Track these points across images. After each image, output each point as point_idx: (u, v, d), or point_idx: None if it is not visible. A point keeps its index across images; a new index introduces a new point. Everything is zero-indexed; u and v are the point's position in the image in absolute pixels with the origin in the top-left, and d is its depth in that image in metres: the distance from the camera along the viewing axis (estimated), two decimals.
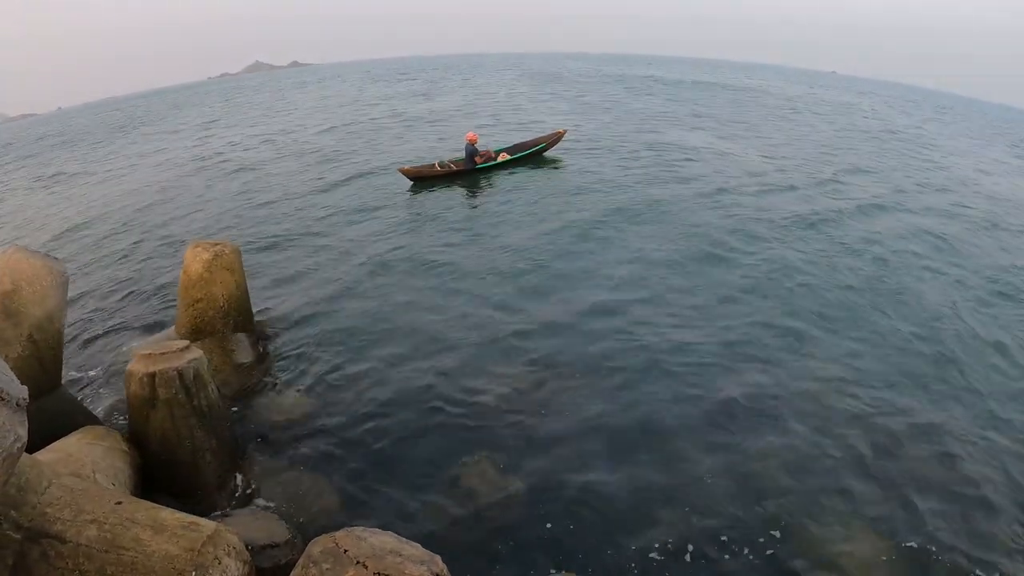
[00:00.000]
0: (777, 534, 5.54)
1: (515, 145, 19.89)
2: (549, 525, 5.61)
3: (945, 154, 26.78)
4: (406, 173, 17.39)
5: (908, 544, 5.53)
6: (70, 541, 3.49)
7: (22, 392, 3.18)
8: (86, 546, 3.49)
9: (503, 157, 18.70)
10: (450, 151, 20.43)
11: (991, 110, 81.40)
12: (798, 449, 6.63)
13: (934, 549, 5.50)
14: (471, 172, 18.14)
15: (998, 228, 15.30)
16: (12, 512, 3.44)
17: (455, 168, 17.98)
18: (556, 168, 19.21)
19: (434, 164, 18.16)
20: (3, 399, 2.98)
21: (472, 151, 17.97)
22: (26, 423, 3.16)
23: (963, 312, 10.17)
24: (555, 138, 19.91)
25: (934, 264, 12.21)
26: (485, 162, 18.31)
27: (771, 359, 8.39)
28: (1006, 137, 40.53)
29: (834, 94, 60.54)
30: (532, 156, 19.47)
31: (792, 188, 17.34)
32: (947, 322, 9.76)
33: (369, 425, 6.99)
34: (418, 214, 15.10)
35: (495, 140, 21.74)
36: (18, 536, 3.42)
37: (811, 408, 7.36)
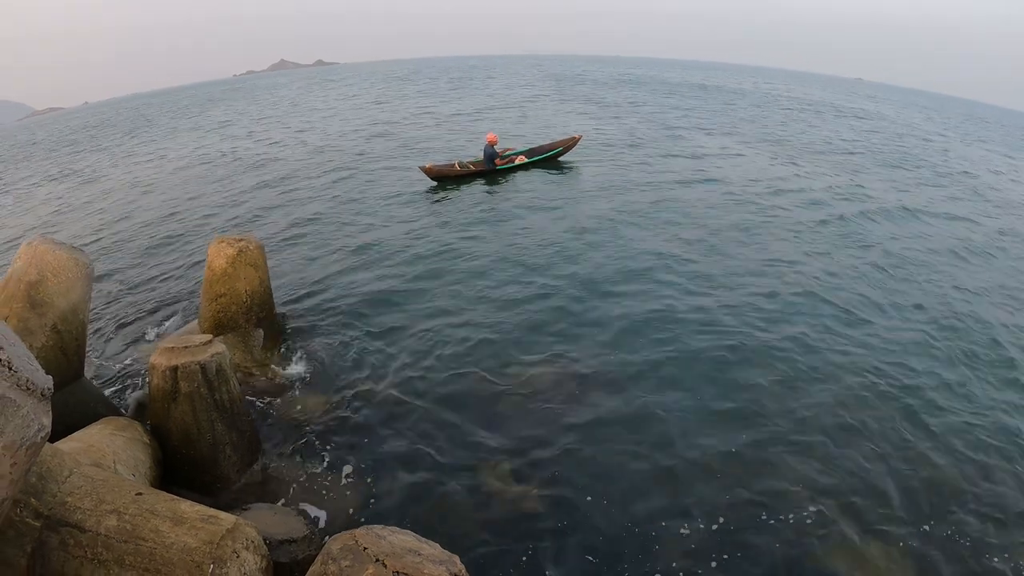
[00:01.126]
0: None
1: (531, 148, 20.11)
2: (567, 531, 5.53)
3: None
4: (428, 172, 17.57)
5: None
6: (90, 530, 3.48)
7: (47, 382, 3.17)
8: (105, 536, 3.48)
9: (520, 159, 18.98)
10: (476, 150, 20.66)
11: None
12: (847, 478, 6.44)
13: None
14: (491, 172, 18.37)
15: None
16: (32, 500, 3.44)
17: (474, 168, 18.19)
18: (572, 171, 19.21)
19: (454, 164, 18.35)
20: (29, 389, 2.97)
21: (492, 152, 18.22)
22: (50, 413, 3.15)
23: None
24: (571, 143, 20.15)
25: None
26: (504, 164, 18.53)
27: (806, 369, 8.22)
28: None
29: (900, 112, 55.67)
30: (548, 159, 19.65)
31: None
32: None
33: (390, 423, 6.95)
34: (441, 213, 15.10)
35: (514, 138, 21.78)
36: (38, 524, 3.42)
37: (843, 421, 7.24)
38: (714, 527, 5.57)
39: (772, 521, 5.67)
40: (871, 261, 12.20)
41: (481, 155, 18.65)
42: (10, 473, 2.85)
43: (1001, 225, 16.25)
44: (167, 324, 9.55)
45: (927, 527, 5.75)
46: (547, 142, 20.84)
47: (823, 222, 14.55)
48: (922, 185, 20.19)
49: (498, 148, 18.63)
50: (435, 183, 17.67)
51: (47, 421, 3.11)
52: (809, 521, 5.68)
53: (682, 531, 5.53)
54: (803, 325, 9.28)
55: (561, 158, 20.16)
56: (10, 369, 2.90)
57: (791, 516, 5.72)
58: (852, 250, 12.84)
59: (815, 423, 7.07)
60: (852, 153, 25.14)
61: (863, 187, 18.64)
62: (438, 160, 19.77)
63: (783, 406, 7.35)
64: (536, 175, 18.57)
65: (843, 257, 12.35)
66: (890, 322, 9.64)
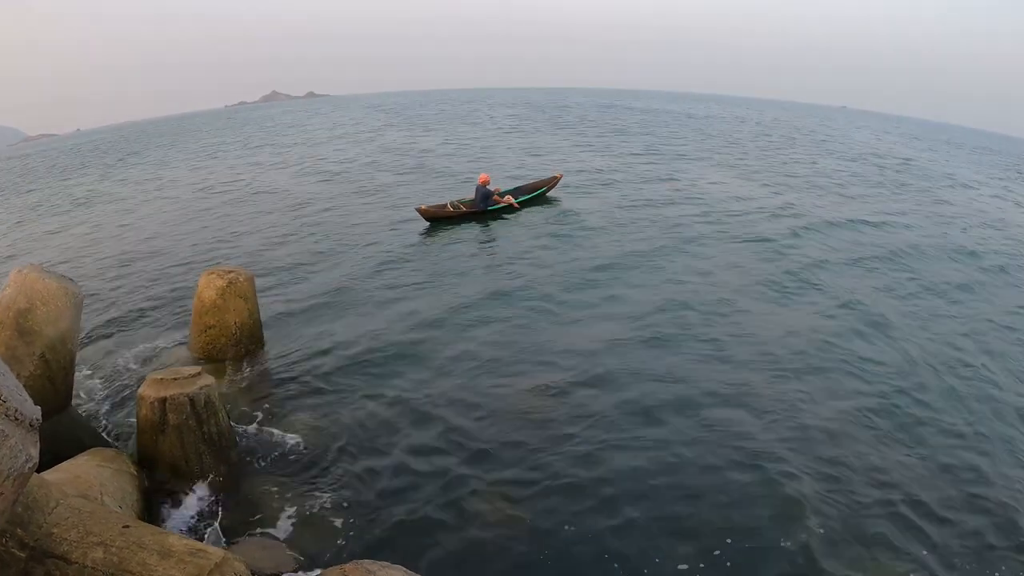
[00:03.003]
0: None
1: (517, 188, 20.42)
2: (559, 563, 5.47)
3: None
4: (423, 213, 17.66)
5: None
6: (76, 562, 3.42)
7: (35, 412, 3.15)
8: (92, 568, 3.42)
9: (508, 200, 19.01)
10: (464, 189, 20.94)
11: None
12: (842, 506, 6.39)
13: None
14: (483, 212, 18.46)
15: None
16: (18, 530, 3.39)
17: (465, 209, 18.30)
18: (559, 208, 19.54)
19: (447, 204, 18.44)
20: (17, 419, 2.95)
21: (485, 192, 18.30)
22: (38, 444, 3.13)
23: None
24: (553, 182, 20.71)
25: None
26: (495, 204, 18.66)
27: (807, 401, 8.22)
28: None
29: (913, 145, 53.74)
30: (535, 199, 19.98)
31: None
32: None
33: (379, 455, 6.88)
34: (434, 251, 15.16)
35: (505, 176, 22.23)
36: (23, 555, 3.36)
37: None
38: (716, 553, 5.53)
39: (780, 551, 5.62)
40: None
41: (473, 195, 18.71)
42: None
43: None
44: (155, 355, 9.47)
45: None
46: (530, 182, 21.25)
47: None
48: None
49: (491, 187, 18.71)
50: (428, 224, 17.69)
51: (35, 452, 3.09)
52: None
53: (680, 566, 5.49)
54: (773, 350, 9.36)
55: (548, 195, 20.57)
56: None
57: (799, 543, 5.68)
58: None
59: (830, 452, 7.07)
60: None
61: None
62: (433, 194, 20.10)
63: (807, 442, 7.28)
64: (526, 214, 18.80)
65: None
66: None
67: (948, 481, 6.80)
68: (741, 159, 31.70)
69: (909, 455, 7.21)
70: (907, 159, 38.96)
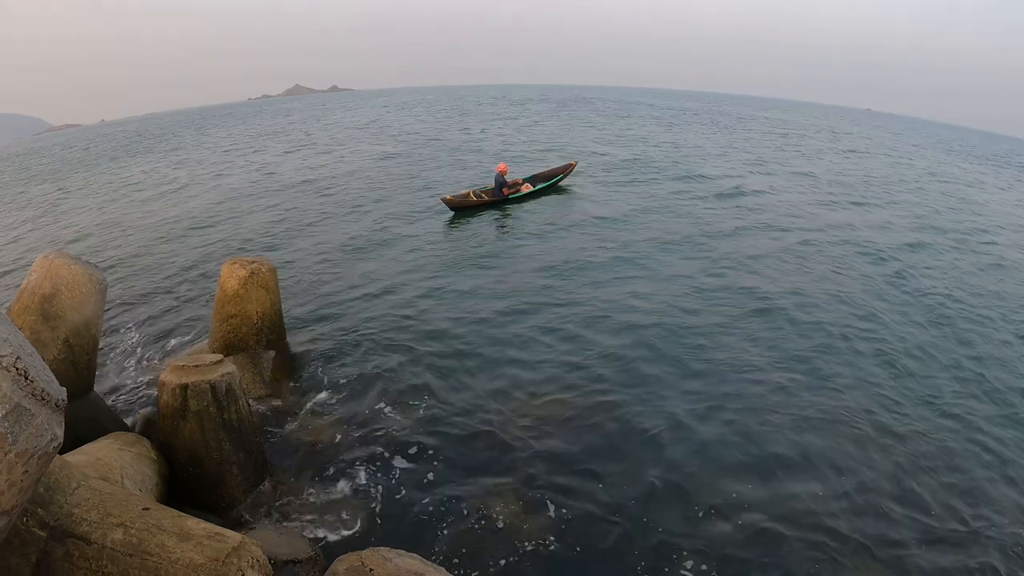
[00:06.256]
0: None
1: (534, 176, 21.30)
2: (577, 560, 5.44)
3: None
4: (448, 203, 18.08)
5: None
6: (95, 543, 3.45)
7: (61, 394, 3.19)
8: (111, 549, 3.45)
9: (527, 188, 19.93)
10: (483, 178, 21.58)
11: None
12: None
13: None
14: (503, 201, 19.13)
15: None
16: (39, 510, 3.42)
17: (487, 199, 18.89)
18: (577, 195, 20.13)
19: (469, 193, 18.92)
20: (44, 399, 2.99)
21: (501, 181, 19.00)
22: (63, 424, 3.17)
23: None
24: (568, 169, 21.51)
25: None
26: (512, 193, 19.37)
27: (835, 410, 8.07)
28: None
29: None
30: (551, 186, 20.71)
31: None
32: None
33: (396, 447, 6.90)
34: (459, 242, 15.25)
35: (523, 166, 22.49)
36: (43, 534, 3.40)
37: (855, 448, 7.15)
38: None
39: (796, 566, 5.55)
40: None
41: (492, 184, 19.41)
42: (21, 481, 2.85)
43: None
44: (177, 342, 9.57)
45: None
46: (547, 169, 22.07)
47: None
48: None
49: (508, 177, 19.51)
50: (453, 212, 18.07)
51: (60, 432, 3.12)
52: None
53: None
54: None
55: (563, 183, 21.34)
56: (27, 379, 2.92)
57: (816, 557, 5.61)
58: None
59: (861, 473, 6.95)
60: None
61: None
62: (457, 184, 20.81)
63: (830, 458, 7.11)
64: (546, 202, 19.27)
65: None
66: None
67: None
68: None
69: None
70: None
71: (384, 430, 7.24)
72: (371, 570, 3.56)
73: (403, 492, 6.20)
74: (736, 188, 22.05)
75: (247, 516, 5.62)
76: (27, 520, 3.36)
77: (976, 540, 6.03)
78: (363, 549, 3.79)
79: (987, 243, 17.83)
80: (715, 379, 8.53)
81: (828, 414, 7.84)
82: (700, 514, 6.01)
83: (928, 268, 14.39)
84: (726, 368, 8.83)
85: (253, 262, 8.77)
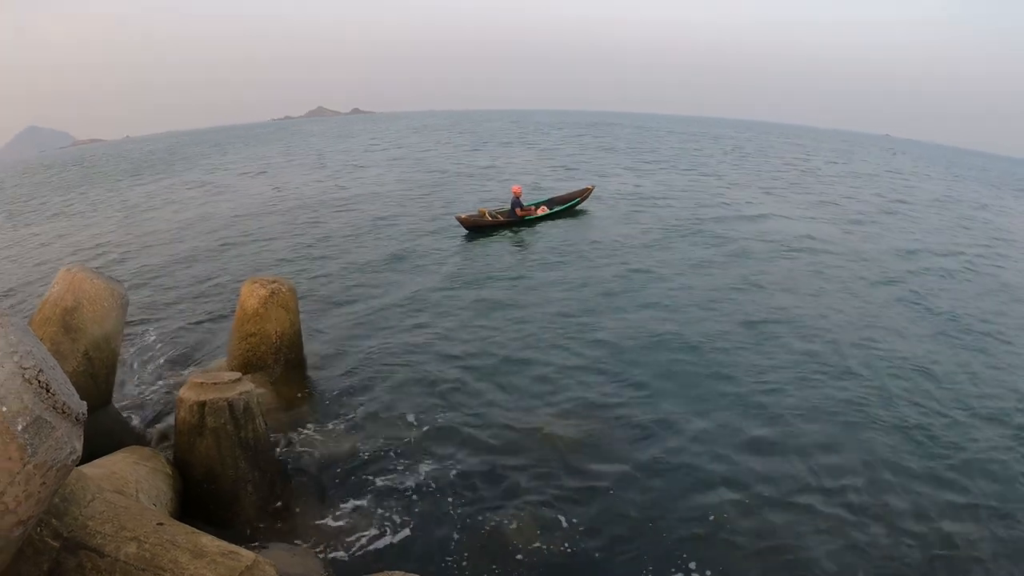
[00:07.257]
0: None
1: (551, 199, 21.40)
2: None
3: None
4: (463, 222, 18.25)
5: None
6: (108, 555, 3.44)
7: (81, 407, 3.22)
8: (124, 562, 3.43)
9: (542, 211, 20.06)
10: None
11: None
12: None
13: None
14: (518, 222, 19.28)
15: None
16: (54, 520, 3.42)
17: (502, 219, 19.03)
18: (591, 218, 20.36)
19: (484, 212, 19.08)
20: (64, 412, 3.01)
21: (516, 203, 19.27)
22: (82, 438, 3.18)
23: None
24: (585, 193, 21.65)
25: None
26: (526, 215, 19.53)
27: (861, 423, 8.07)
28: None
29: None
30: (567, 209, 20.84)
31: None
32: None
33: (412, 468, 6.84)
34: (474, 261, 15.34)
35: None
36: (56, 544, 3.39)
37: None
38: None
39: None
40: None
41: (508, 205, 19.75)
42: (38, 492, 2.85)
43: None
44: (195, 359, 9.62)
45: None
46: (563, 193, 22.16)
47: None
48: None
49: (522, 199, 19.70)
50: (467, 232, 18.20)
51: (79, 445, 3.14)
52: None
53: None
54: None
55: (579, 207, 21.41)
56: (48, 391, 2.94)
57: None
58: None
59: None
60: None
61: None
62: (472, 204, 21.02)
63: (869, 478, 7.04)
64: (560, 225, 19.45)
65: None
66: None
67: None
68: None
69: None
70: None
71: (399, 451, 7.18)
72: None
73: (418, 513, 6.13)
74: (760, 215, 21.94)
75: (261, 535, 5.57)
76: (41, 530, 3.36)
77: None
78: (377, 572, 3.76)
79: None
80: (738, 405, 8.41)
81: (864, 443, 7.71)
82: (725, 540, 5.90)
83: None
84: (755, 391, 8.77)
85: (273, 281, 8.82)
